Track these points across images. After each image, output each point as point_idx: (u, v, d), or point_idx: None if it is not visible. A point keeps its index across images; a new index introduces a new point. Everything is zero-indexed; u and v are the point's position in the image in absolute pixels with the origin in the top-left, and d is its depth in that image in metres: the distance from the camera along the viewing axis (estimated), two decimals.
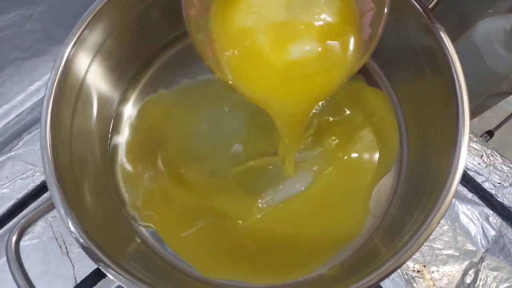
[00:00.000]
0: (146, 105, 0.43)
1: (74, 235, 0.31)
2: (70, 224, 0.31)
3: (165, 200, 0.40)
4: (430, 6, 0.35)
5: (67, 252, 0.45)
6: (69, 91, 0.36)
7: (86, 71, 0.37)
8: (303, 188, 0.40)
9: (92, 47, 0.37)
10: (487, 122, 0.93)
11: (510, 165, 0.44)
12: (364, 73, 0.43)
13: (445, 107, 0.33)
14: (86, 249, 0.30)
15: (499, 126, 0.92)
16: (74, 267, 0.44)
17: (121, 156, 0.41)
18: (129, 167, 0.41)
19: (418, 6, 0.34)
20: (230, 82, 0.28)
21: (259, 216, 0.39)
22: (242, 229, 0.39)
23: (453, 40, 0.71)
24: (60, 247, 0.45)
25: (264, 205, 0.39)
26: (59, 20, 0.44)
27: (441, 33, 0.33)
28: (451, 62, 0.33)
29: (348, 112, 0.42)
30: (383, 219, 0.39)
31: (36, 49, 0.45)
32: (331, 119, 0.41)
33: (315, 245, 0.38)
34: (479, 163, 0.44)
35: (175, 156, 0.41)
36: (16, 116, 0.46)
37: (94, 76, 0.39)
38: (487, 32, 0.64)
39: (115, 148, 0.42)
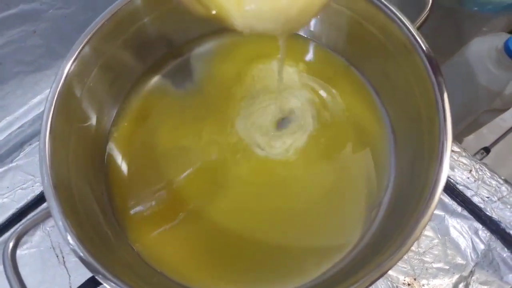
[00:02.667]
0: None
1: (71, 246, 0.32)
2: (69, 237, 0.32)
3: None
4: (416, 26, 0.37)
5: (64, 262, 0.45)
6: (68, 104, 0.37)
7: (85, 85, 0.39)
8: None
9: (92, 62, 0.39)
10: (484, 139, 0.94)
11: (499, 179, 0.45)
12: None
13: (430, 121, 0.34)
14: (83, 260, 0.31)
15: (495, 143, 0.93)
16: (70, 276, 0.45)
17: (116, 164, 0.43)
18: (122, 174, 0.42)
19: (403, 26, 0.36)
20: (214, 12, 0.29)
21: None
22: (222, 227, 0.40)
23: (447, 57, 0.73)
24: (57, 256, 0.46)
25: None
26: (62, 36, 0.46)
27: (425, 51, 0.34)
28: (433, 79, 0.34)
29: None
30: (370, 230, 0.39)
31: (38, 64, 0.47)
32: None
33: (303, 255, 0.39)
34: (468, 177, 0.45)
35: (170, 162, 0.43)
36: (18, 128, 0.48)
37: (93, 90, 0.40)
38: (480, 50, 0.65)
39: (110, 157, 0.43)
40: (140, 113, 0.45)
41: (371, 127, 0.43)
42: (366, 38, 0.41)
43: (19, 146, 0.49)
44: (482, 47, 0.65)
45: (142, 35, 0.43)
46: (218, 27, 0.47)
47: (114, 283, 0.31)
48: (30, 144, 0.49)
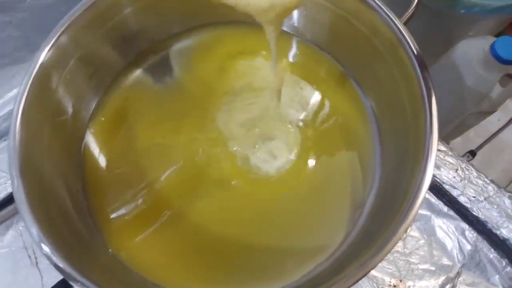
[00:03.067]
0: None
1: (44, 252, 0.30)
2: (34, 232, 0.30)
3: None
4: (403, 22, 0.36)
5: (37, 263, 0.44)
6: (43, 95, 0.36)
7: (62, 77, 0.37)
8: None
9: (69, 53, 0.37)
10: (470, 142, 0.94)
11: (485, 179, 0.44)
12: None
13: (416, 118, 0.33)
14: (56, 266, 0.30)
15: (481, 146, 0.93)
16: (43, 277, 0.43)
17: (93, 161, 0.41)
18: (100, 172, 0.41)
19: (391, 22, 0.35)
20: None
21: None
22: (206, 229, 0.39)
23: (434, 60, 0.73)
24: (30, 257, 0.44)
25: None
26: (40, 27, 0.44)
27: (411, 46, 0.34)
28: (419, 74, 0.33)
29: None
30: (354, 231, 0.38)
31: (15, 57, 0.45)
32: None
33: (284, 256, 0.38)
34: (454, 177, 0.44)
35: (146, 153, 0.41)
36: None
37: (70, 82, 0.38)
38: (467, 52, 0.65)
39: (87, 153, 0.41)
40: (119, 109, 0.43)
41: (357, 126, 0.42)
42: (351, 34, 0.40)
43: None
44: (469, 50, 0.65)
45: (123, 28, 0.42)
46: (201, 23, 0.47)
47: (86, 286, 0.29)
48: (4, 140, 0.47)
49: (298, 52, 0.46)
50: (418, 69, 0.33)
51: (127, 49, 0.44)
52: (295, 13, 0.44)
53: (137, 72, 0.45)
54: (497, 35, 0.68)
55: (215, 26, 0.46)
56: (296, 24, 0.45)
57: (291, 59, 0.46)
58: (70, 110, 0.39)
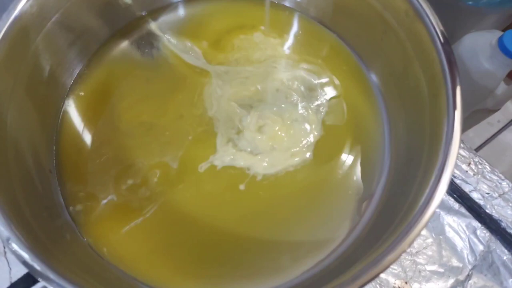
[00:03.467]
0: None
1: (11, 248, 0.26)
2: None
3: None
4: None
5: (5, 253, 0.39)
6: (16, 54, 0.31)
7: (39, 37, 0.33)
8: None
9: (48, 12, 0.33)
10: (469, 142, 0.91)
11: (499, 174, 0.41)
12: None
13: (434, 98, 0.29)
14: (25, 263, 0.25)
15: (481, 147, 0.91)
16: (11, 269, 0.38)
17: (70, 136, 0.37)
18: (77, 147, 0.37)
19: None
20: None
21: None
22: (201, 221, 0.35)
23: None
24: None
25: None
26: None
27: (430, 17, 0.30)
28: (440, 47, 0.29)
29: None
30: (359, 225, 0.34)
31: None
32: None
33: (279, 251, 0.34)
34: (467, 171, 0.41)
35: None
36: None
37: (48, 45, 0.34)
38: (473, 45, 0.62)
39: (64, 127, 0.37)
40: (102, 83, 0.39)
41: (363, 110, 0.39)
42: (359, 9, 0.37)
43: None
44: (476, 43, 0.63)
45: None
46: None
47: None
48: None
49: (300, 30, 0.42)
50: (438, 42, 0.29)
51: (113, 18, 0.40)
52: None
53: (124, 44, 0.41)
54: (504, 30, 0.66)
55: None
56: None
57: (292, 37, 0.42)
58: (46, 74, 0.35)
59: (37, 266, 0.25)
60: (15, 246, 0.25)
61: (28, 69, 0.33)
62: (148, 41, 0.41)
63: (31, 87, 0.33)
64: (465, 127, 0.77)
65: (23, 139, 0.32)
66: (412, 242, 0.26)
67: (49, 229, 0.31)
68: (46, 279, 0.25)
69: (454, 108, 0.27)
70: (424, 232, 0.40)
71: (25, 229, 0.27)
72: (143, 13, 0.42)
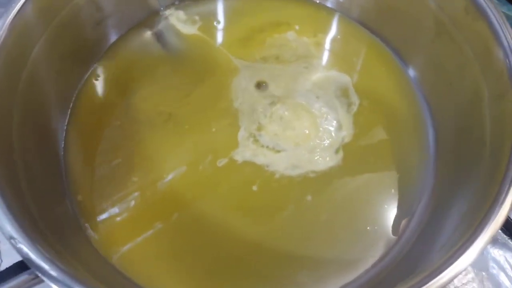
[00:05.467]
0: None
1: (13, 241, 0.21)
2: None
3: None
4: None
5: None
6: (14, 55, 0.28)
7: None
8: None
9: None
10: None
11: None
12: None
13: (497, 104, 0.26)
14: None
15: None
16: (2, 261, 0.35)
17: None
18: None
19: None
20: None
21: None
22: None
23: None
24: None
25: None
26: None
27: (494, 12, 0.27)
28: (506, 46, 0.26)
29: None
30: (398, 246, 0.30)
31: None
32: None
33: (311, 269, 0.30)
34: None
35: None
36: None
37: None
38: None
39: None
40: (122, 69, 0.37)
41: (404, 117, 0.35)
42: (410, 9, 0.34)
43: None
44: None
45: None
46: None
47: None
48: None
49: (338, 30, 0.40)
50: (503, 37, 0.26)
51: (141, 6, 0.38)
52: None
53: (147, 34, 0.39)
54: None
55: None
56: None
57: (328, 37, 0.40)
58: (69, 47, 0.33)
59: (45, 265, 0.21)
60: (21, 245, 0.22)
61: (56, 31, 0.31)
62: (173, 33, 0.39)
63: (54, 52, 0.31)
64: None
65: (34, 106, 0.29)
66: (454, 278, 0.21)
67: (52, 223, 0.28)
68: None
69: None
70: None
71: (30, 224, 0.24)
72: (176, 2, 0.40)
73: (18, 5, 0.27)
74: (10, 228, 0.21)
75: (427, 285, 0.21)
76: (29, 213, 0.24)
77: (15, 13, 0.27)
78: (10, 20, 0.27)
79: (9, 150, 0.26)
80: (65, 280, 0.20)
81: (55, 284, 0.20)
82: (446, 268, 0.21)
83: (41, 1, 0.29)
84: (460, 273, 0.21)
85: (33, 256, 0.21)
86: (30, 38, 0.29)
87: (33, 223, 0.23)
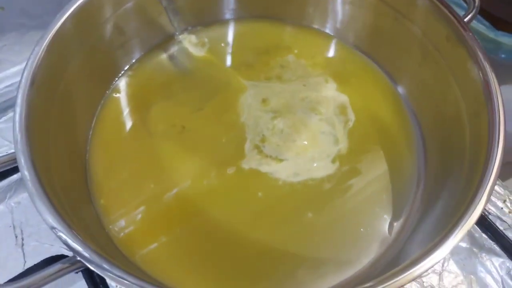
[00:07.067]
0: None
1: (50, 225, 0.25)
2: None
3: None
4: (465, 20, 0.33)
5: (22, 244, 0.39)
6: (53, 69, 0.32)
7: (88, 44, 0.35)
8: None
9: (93, 22, 0.35)
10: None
11: None
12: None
13: (476, 117, 0.29)
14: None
15: None
16: (26, 262, 0.38)
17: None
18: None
19: (450, 15, 0.32)
20: None
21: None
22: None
23: None
24: (16, 237, 0.39)
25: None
26: None
27: (471, 39, 0.31)
28: (482, 70, 0.29)
29: None
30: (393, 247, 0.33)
31: (43, 21, 0.42)
32: None
33: (311, 268, 0.33)
34: (502, 208, 0.39)
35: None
36: (6, 87, 0.43)
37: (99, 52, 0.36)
38: (508, 98, 0.62)
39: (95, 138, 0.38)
40: (140, 87, 0.41)
41: (395, 131, 0.39)
42: (398, 35, 0.38)
43: (3, 110, 0.44)
44: (509, 96, 0.62)
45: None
46: (237, 15, 0.45)
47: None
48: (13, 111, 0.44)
49: (334, 54, 0.44)
50: (481, 59, 0.30)
51: (160, 28, 0.42)
52: (339, 12, 0.42)
53: (163, 56, 0.43)
54: None
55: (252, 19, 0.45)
56: (338, 26, 0.43)
57: (325, 60, 0.44)
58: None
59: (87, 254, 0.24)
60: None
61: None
62: (186, 55, 0.43)
63: (84, 70, 0.35)
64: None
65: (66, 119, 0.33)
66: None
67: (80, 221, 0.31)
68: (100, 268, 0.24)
69: (498, 132, 0.27)
70: (454, 269, 0.38)
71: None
72: (189, 28, 0.44)
73: (56, 25, 0.32)
74: (52, 220, 0.25)
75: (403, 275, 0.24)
76: (64, 210, 0.27)
77: (54, 32, 0.31)
78: (50, 39, 0.31)
79: (47, 161, 0.29)
80: (97, 261, 0.23)
81: (90, 265, 0.23)
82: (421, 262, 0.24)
83: (76, 25, 0.33)
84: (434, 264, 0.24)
85: (70, 241, 0.24)
86: (65, 57, 0.33)
87: (68, 219, 0.27)
